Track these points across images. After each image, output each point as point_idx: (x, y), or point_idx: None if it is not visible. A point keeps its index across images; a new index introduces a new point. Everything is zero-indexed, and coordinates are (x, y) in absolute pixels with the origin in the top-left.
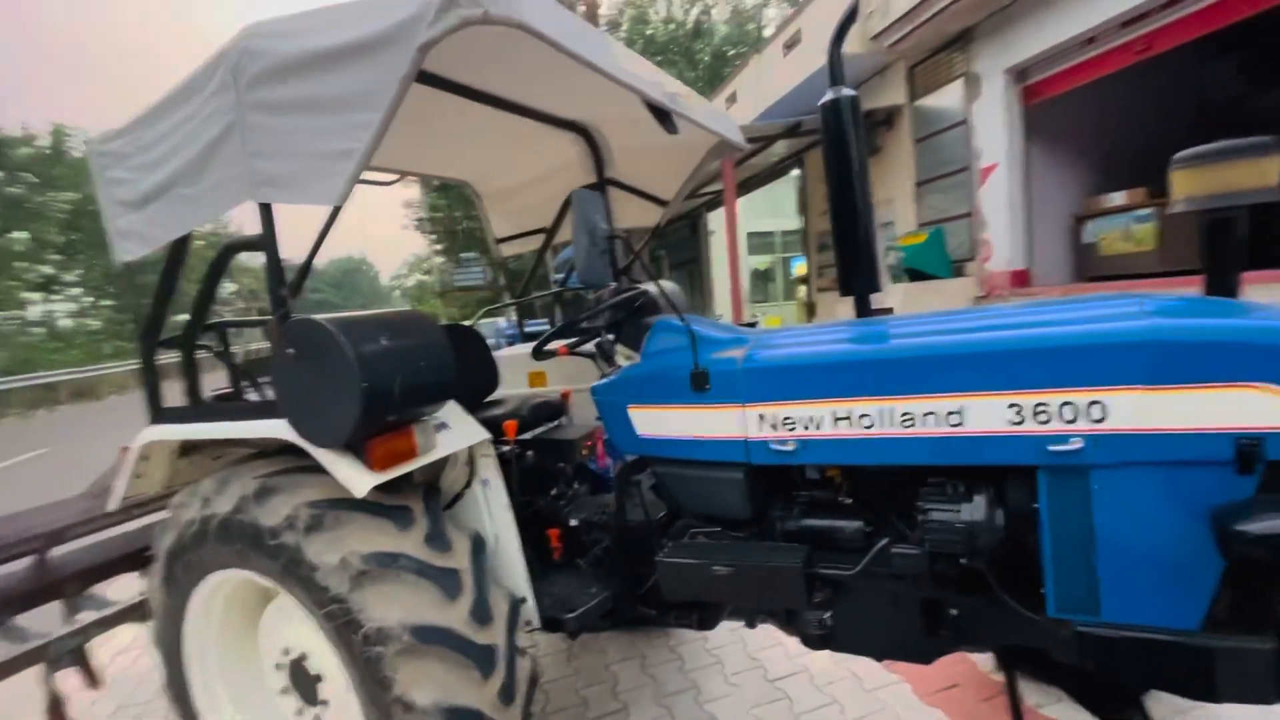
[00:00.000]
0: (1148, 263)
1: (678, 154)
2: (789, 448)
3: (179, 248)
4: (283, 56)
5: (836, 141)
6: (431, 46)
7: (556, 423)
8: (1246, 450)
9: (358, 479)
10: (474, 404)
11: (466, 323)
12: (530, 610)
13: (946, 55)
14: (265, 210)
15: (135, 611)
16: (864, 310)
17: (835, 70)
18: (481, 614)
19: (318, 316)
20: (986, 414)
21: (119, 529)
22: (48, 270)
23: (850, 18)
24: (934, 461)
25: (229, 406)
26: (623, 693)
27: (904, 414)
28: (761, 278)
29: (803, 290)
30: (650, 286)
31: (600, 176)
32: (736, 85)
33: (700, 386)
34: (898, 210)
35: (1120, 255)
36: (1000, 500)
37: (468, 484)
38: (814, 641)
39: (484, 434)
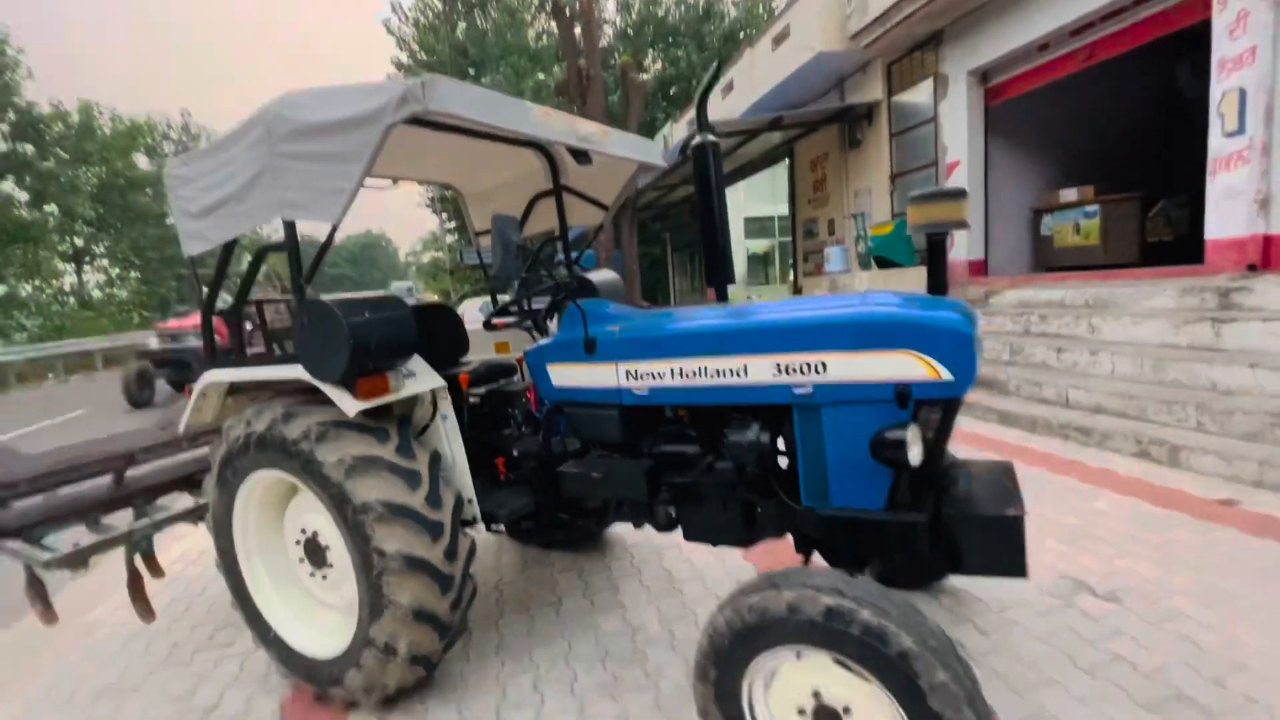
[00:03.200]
0: (1094, 255)
1: (614, 169)
2: (644, 393)
3: (228, 246)
4: (300, 123)
5: (703, 177)
6: (394, 127)
7: (512, 379)
8: (902, 393)
9: (349, 404)
10: (447, 362)
11: (447, 303)
12: (474, 509)
13: (920, 55)
14: (289, 225)
15: (194, 514)
16: (723, 298)
17: (701, 119)
18: (434, 500)
19: (324, 298)
20: (760, 369)
21: (178, 457)
22: (78, 242)
23: (715, 76)
24: (732, 402)
25: (263, 358)
26: (560, 592)
27: (714, 369)
28: (760, 261)
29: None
30: (600, 274)
31: (556, 183)
32: (733, 75)
33: (590, 350)
34: (873, 201)
35: (1071, 248)
36: (773, 428)
37: (432, 418)
38: (664, 528)
39: (440, 382)
